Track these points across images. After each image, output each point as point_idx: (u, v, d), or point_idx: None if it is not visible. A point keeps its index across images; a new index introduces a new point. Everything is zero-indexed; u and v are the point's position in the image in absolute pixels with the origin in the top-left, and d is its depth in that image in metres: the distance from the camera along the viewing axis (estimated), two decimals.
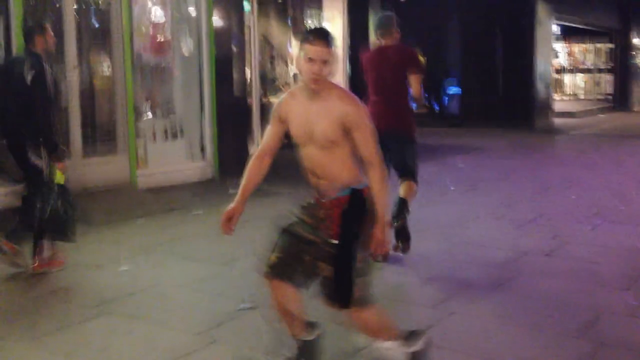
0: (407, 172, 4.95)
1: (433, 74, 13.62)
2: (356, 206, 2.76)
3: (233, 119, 8.54)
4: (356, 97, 2.83)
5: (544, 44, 15.23)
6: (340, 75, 11.60)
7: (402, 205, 4.83)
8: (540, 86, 15.08)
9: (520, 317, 3.85)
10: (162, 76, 8.07)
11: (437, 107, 15.87)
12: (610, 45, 20.69)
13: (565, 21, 17.72)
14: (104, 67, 7.31)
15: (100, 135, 7.14)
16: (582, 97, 21.43)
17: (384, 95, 4.89)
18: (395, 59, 4.90)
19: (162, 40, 7.93)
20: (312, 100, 2.77)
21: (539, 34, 14.96)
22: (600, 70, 21.22)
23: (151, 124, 7.75)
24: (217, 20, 8.36)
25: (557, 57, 19.84)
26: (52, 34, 4.79)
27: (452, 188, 7.90)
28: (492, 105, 14.80)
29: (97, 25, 7.16)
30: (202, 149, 8.20)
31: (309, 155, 2.80)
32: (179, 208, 6.64)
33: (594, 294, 4.26)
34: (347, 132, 2.72)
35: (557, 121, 15.78)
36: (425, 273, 4.66)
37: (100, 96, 7.27)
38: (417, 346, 2.95)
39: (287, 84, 12.07)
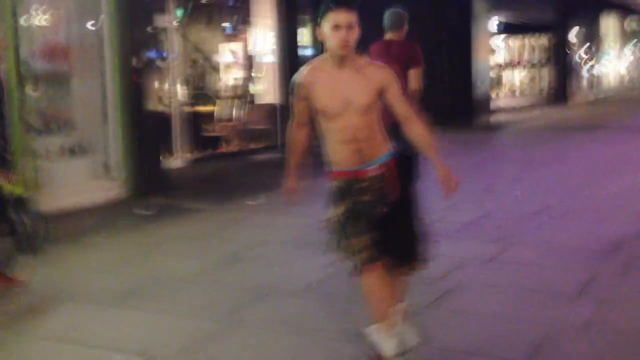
0: None
1: None
2: (407, 165, 2.93)
3: (146, 133, 7.69)
4: (384, 65, 2.93)
5: (482, 42, 14.89)
6: (273, 83, 10.97)
7: None
8: (478, 84, 14.73)
9: (452, 343, 3.17)
10: (58, 86, 7.19)
11: None
12: (548, 41, 20.64)
13: (504, 17, 17.46)
14: None
15: None
16: (521, 92, 21.33)
17: None
18: (400, 54, 5.08)
19: (57, 45, 7.06)
20: (341, 69, 2.79)
21: (477, 32, 14.59)
22: (538, 66, 21.17)
23: (45, 141, 6.83)
24: (126, 27, 7.45)
25: (495, 53, 19.66)
26: None
27: None
28: (431, 103, 14.33)
29: None
30: (108, 167, 7.34)
31: (347, 123, 2.78)
32: (70, 237, 5.73)
33: (541, 306, 3.62)
34: (380, 95, 2.81)
35: (497, 117, 15.46)
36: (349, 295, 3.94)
37: None
38: None
39: (217, 92, 11.36)
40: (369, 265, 2.76)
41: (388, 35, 5.25)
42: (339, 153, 2.83)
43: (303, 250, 5.02)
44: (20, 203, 4.32)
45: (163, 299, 4.17)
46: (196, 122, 10.49)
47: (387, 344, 2.76)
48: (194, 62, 11.35)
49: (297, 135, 3.00)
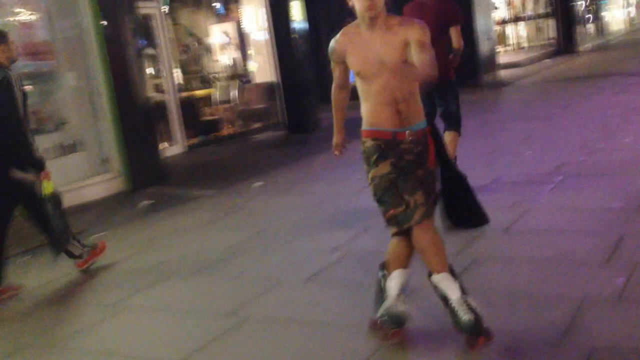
0: (452, 122, 5.32)
1: None
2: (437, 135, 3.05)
3: (141, 123, 7.47)
4: (415, 20, 2.87)
5: None
6: (268, 58, 10.66)
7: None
8: (483, 41, 14.31)
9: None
10: (45, 84, 6.96)
11: None
12: None
13: None
14: None
15: None
16: (525, 45, 20.86)
17: None
18: (437, 11, 5.05)
19: (40, 42, 6.82)
20: (373, 31, 2.80)
21: None
22: (541, 16, 20.65)
23: (39, 140, 6.62)
24: (109, 17, 7.15)
25: (496, 9, 19.17)
26: (13, 41, 4.31)
27: None
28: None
29: None
30: (105, 162, 7.15)
31: (385, 83, 2.79)
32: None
33: (568, 277, 3.38)
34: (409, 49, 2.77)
35: (504, 73, 15.05)
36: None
37: None
38: None
39: (214, 75, 11.07)
40: (427, 220, 2.80)
41: None
42: (378, 114, 2.83)
43: (306, 235, 4.83)
44: (54, 202, 4.39)
45: (166, 296, 3.99)
46: (193, 107, 10.25)
47: (455, 287, 2.83)
48: (186, 46, 11.07)
49: (338, 96, 3.08)
